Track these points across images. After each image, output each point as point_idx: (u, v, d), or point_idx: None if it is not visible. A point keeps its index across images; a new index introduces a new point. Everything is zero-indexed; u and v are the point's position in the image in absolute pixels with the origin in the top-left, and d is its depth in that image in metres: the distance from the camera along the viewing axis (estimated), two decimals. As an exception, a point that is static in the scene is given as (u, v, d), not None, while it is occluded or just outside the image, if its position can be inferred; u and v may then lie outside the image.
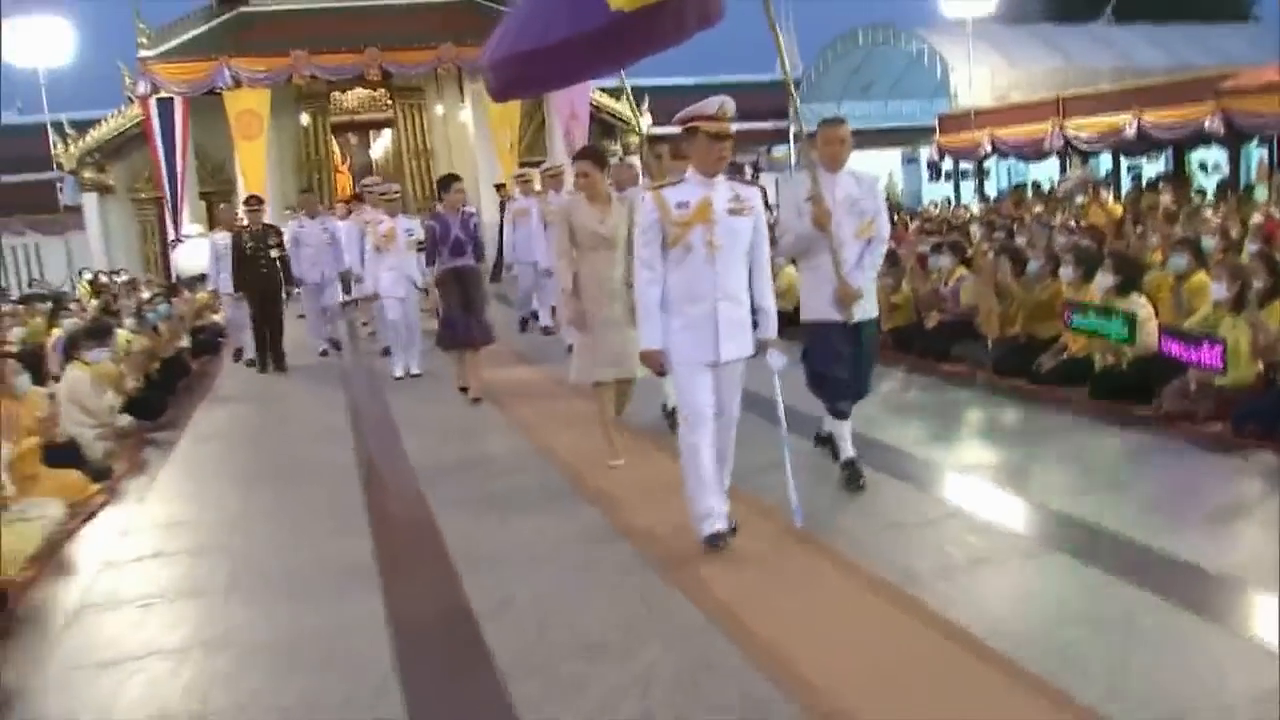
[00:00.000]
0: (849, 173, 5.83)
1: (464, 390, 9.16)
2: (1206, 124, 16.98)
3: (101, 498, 6.82)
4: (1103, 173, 22.39)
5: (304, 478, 7.22)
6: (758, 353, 5.00)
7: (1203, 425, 6.56)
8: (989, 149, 22.42)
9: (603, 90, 24.25)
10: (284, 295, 11.87)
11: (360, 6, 22.74)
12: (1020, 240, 11.31)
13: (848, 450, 5.94)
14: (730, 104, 4.81)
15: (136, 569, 5.54)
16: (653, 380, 6.32)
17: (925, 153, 26.49)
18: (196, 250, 16.79)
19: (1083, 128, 19.80)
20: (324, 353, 12.53)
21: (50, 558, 5.69)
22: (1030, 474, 6.16)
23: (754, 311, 5.01)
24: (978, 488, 5.87)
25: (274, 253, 11.54)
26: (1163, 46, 28.17)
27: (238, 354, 12.57)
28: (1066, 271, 8.26)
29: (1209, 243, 9.14)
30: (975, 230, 13.94)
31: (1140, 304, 7.53)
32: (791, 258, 7.32)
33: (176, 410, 9.87)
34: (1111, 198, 18.03)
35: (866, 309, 5.84)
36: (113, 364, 9.04)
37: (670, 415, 7.22)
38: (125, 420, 8.66)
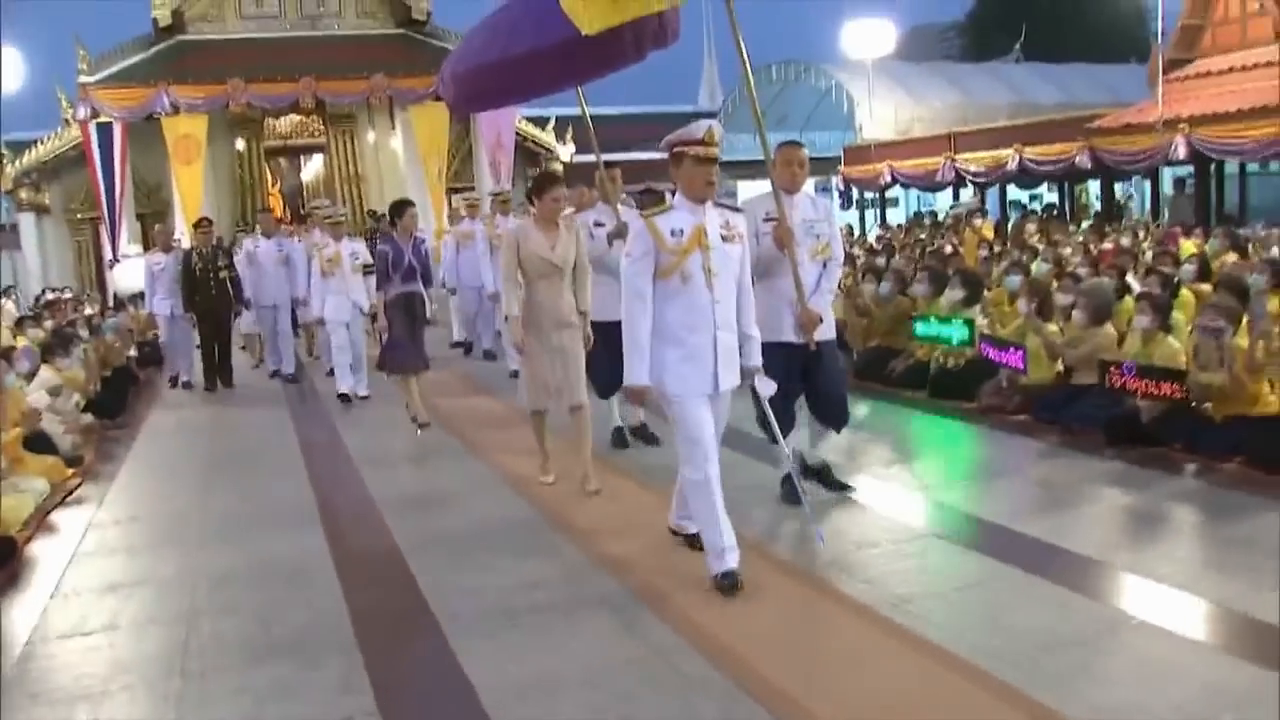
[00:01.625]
0: (806, 195, 5.99)
1: (424, 426, 8.87)
2: (1077, 160, 18.65)
3: (76, 479, 7.86)
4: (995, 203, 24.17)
5: (256, 465, 8.32)
6: (744, 380, 5.00)
7: (1011, 415, 7.94)
8: (889, 179, 24.02)
9: (527, 119, 25.50)
10: (233, 315, 12.03)
11: (295, 37, 23.76)
12: (901, 263, 12.68)
13: (819, 455, 6.29)
14: (718, 128, 4.77)
15: (115, 529, 6.64)
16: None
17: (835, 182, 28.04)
18: (135, 269, 17.14)
19: (971, 161, 21.45)
20: (274, 374, 12.38)
21: (41, 521, 6.73)
22: (873, 458, 7.28)
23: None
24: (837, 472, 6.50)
25: (224, 273, 11.69)
26: (1058, 84, 30.03)
27: (174, 380, 12.40)
28: (919, 288, 9.62)
29: (1043, 266, 10.59)
30: (859, 254, 15.35)
31: (978, 313, 8.91)
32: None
33: (130, 413, 10.85)
34: (989, 225, 19.53)
35: (824, 330, 5.88)
36: (78, 370, 10.12)
37: (618, 434, 7.68)
38: (88, 418, 9.66)
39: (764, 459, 6.43)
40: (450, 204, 23.62)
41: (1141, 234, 13.93)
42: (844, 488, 6.21)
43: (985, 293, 9.45)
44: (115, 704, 4.10)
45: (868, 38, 25.08)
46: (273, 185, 26.22)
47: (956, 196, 23.81)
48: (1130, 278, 9.40)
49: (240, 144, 24.74)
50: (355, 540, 6.08)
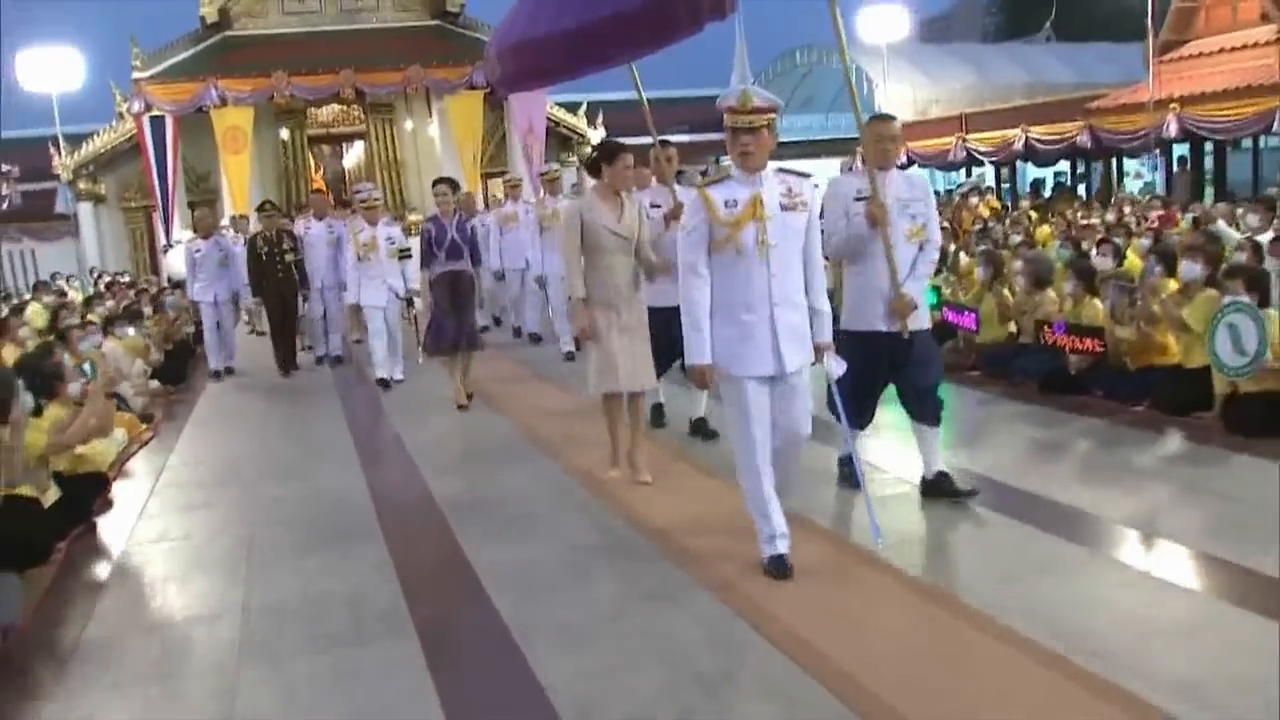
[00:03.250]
0: (899, 173, 5.55)
1: (462, 408, 9.00)
2: (1078, 139, 19.47)
3: (150, 433, 9.08)
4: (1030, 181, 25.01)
5: (305, 423, 9.52)
6: (815, 360, 4.71)
7: (967, 371, 8.95)
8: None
9: (559, 104, 26.56)
10: (300, 299, 11.95)
11: (335, 31, 24.90)
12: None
13: (935, 464, 5.70)
14: (753, 94, 4.44)
15: (185, 469, 7.87)
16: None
17: (855, 161, 28.94)
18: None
19: (980, 141, 22.29)
20: (321, 359, 12.41)
21: (122, 465, 7.94)
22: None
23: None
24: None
25: (289, 257, 11.69)
26: (1074, 64, 30.67)
27: (216, 373, 12.04)
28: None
29: (1015, 238, 11.56)
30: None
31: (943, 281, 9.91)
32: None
33: (191, 381, 12.11)
34: (988, 203, 20.33)
35: (920, 319, 5.47)
36: (139, 339, 11.39)
37: (697, 426, 7.37)
38: (154, 384, 10.89)
39: (829, 442, 6.01)
40: (486, 188, 24.87)
41: (1128, 209, 14.72)
42: (969, 494, 5.57)
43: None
44: (196, 584, 5.28)
45: (883, 23, 25.84)
46: (316, 172, 27.41)
47: (969, 175, 24.64)
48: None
49: (284, 133, 25.89)
50: (390, 476, 7.19)
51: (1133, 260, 9.76)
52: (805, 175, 4.72)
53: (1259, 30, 17.37)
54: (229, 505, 6.73)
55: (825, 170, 29.99)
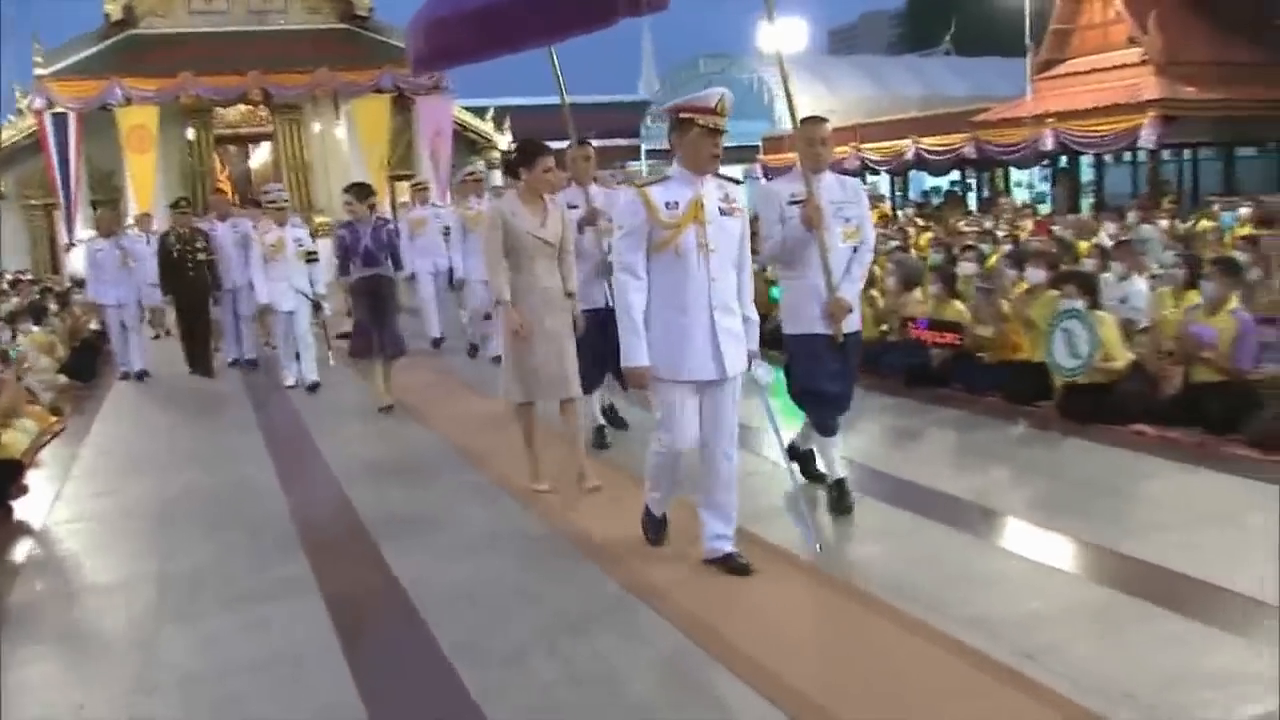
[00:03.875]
0: (832, 175, 5.48)
1: (386, 409, 8.90)
2: (964, 151, 20.47)
3: (60, 424, 9.34)
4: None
5: (215, 418, 9.85)
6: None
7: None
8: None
9: (466, 109, 26.96)
10: (211, 300, 11.74)
11: (243, 32, 25.01)
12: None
13: (836, 470, 5.64)
14: (730, 97, 4.45)
15: (98, 459, 8.23)
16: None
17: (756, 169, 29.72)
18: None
19: (874, 151, 23.23)
20: (234, 362, 12.09)
21: (35, 454, 8.21)
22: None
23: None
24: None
25: (202, 256, 11.48)
26: (968, 78, 31.95)
27: (125, 374, 11.82)
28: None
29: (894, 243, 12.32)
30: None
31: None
32: (770, 266, 6.95)
33: (98, 377, 12.24)
34: (884, 209, 21.26)
35: (853, 321, 5.50)
36: (45, 335, 11.60)
37: (599, 433, 7.20)
38: (62, 379, 11.10)
39: (748, 448, 6.02)
40: (393, 190, 25.11)
41: (1003, 219, 15.64)
42: (820, 479, 5.80)
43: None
44: (112, 554, 5.69)
45: (784, 34, 26.70)
46: (221, 172, 27.38)
47: (864, 181, 25.55)
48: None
49: (190, 133, 25.86)
50: (309, 489, 6.88)
51: (994, 265, 10.56)
52: (738, 182, 4.84)
53: (1127, 53, 18.52)
54: (140, 490, 7.08)
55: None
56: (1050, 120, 18.46)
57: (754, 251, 4.91)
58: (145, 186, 23.22)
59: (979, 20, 42.76)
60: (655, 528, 5.07)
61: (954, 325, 8.48)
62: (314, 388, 10.18)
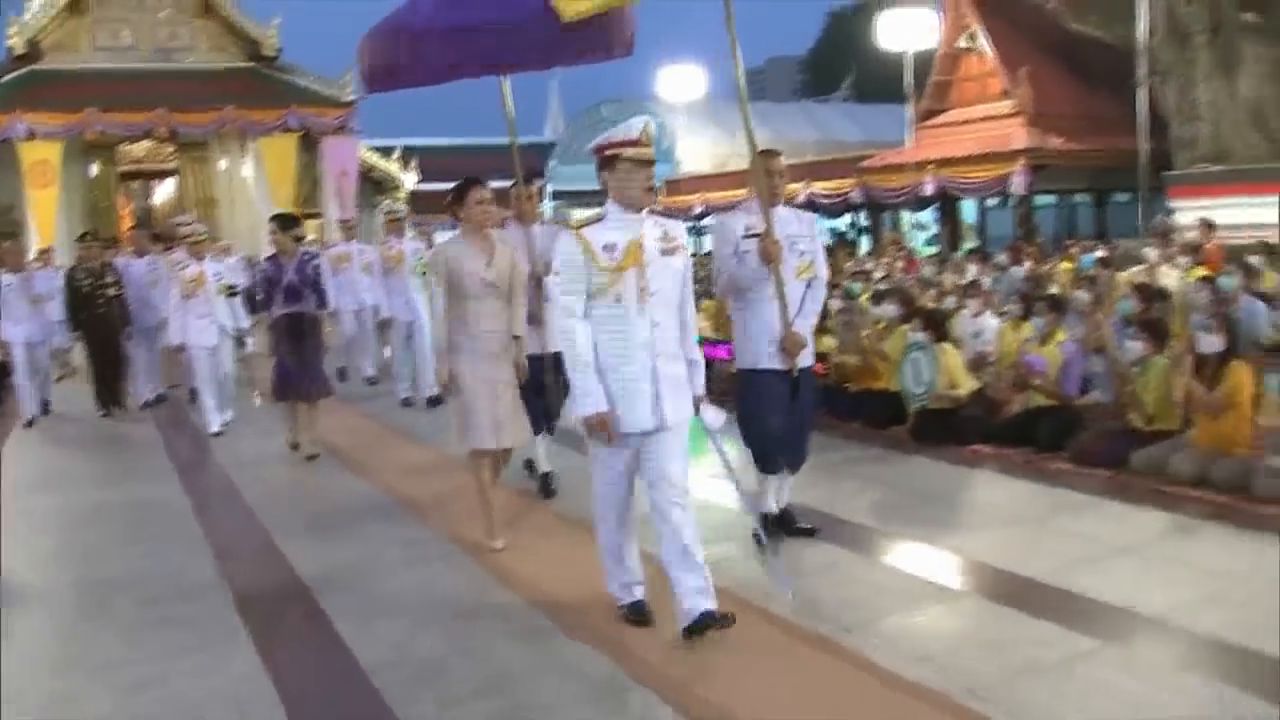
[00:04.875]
0: (786, 209, 5.44)
1: (295, 447, 8.69)
2: (852, 195, 21.49)
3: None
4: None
5: (123, 449, 10.12)
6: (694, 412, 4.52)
7: (719, 398, 10.28)
8: (702, 209, 26.65)
9: (372, 149, 27.37)
10: (123, 336, 11.27)
11: (149, 69, 25.10)
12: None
13: (782, 501, 5.74)
14: (653, 126, 4.34)
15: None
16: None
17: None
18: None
19: (769, 194, 24.13)
20: (146, 404, 11.65)
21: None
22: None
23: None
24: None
25: (112, 290, 11.10)
26: (862, 124, 33.27)
27: (30, 421, 11.08)
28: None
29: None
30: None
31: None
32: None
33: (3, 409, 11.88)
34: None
35: (807, 356, 5.43)
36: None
37: (530, 469, 7.03)
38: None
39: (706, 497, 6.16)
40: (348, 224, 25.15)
41: (880, 260, 16.59)
42: (808, 532, 5.73)
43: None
44: (28, 572, 6.06)
45: (681, 82, 27.71)
46: (124, 208, 27.33)
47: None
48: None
49: (94, 168, 25.80)
50: (238, 543, 6.38)
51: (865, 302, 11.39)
52: (675, 219, 4.64)
53: (1000, 104, 19.76)
54: (50, 510, 7.38)
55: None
56: (930, 167, 19.56)
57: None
58: (47, 222, 23.10)
59: (877, 67, 44.47)
60: (636, 613, 4.57)
61: (820, 355, 9.20)
62: (224, 431, 9.81)
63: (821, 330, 9.63)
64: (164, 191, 27.99)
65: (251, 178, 26.38)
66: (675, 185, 27.98)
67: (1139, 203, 17.52)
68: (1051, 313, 7.98)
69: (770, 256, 5.12)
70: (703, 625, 4.21)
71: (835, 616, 4.62)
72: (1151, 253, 11.73)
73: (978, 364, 8.67)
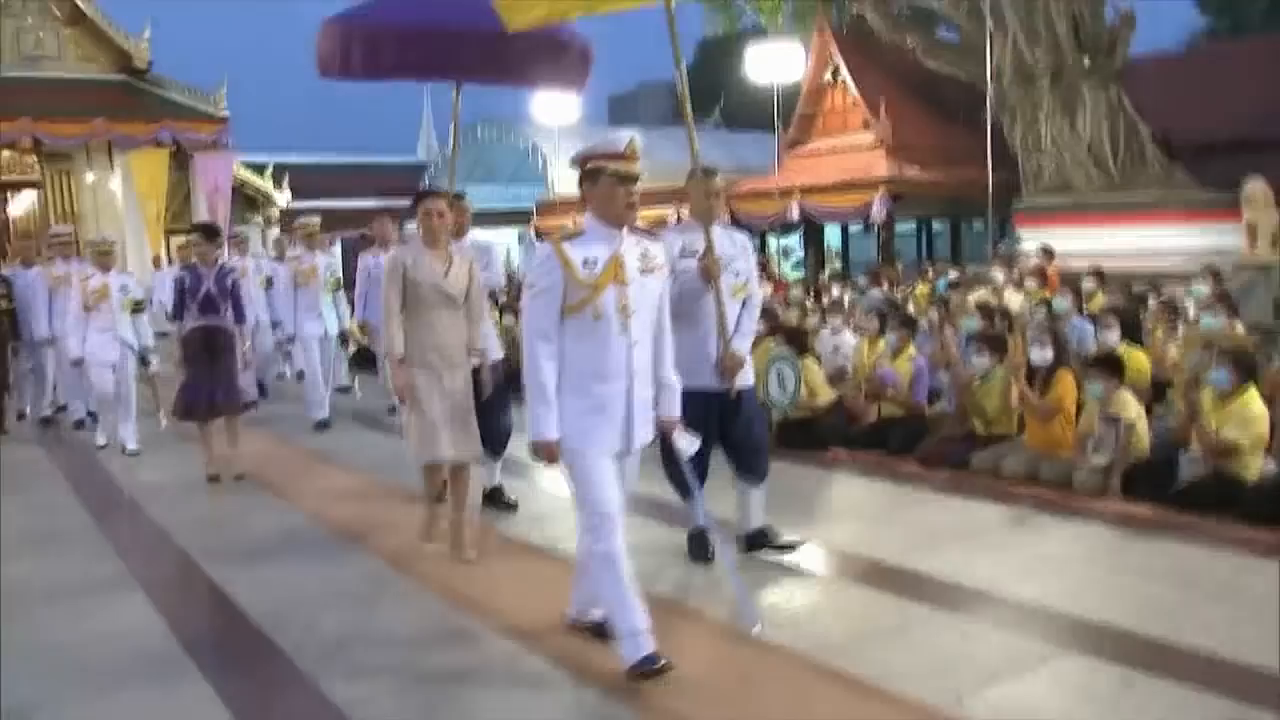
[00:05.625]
0: (720, 229, 5.42)
1: (214, 479, 8.11)
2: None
3: None
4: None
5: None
6: (660, 435, 4.42)
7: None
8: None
9: (246, 165, 27.19)
10: (10, 351, 10.82)
11: (13, 77, 24.54)
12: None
13: (758, 520, 5.75)
14: (639, 140, 4.12)
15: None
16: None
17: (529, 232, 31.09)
18: None
19: (640, 220, 24.76)
20: (44, 422, 11.26)
21: None
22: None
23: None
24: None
25: (2, 304, 10.62)
26: (731, 150, 34.13)
27: None
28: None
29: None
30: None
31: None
32: None
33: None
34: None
35: (746, 376, 5.45)
36: None
37: (489, 497, 6.94)
38: None
39: (659, 517, 6.29)
40: (169, 244, 24.95)
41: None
42: (791, 547, 5.76)
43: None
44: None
45: (555, 106, 28.13)
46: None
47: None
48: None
49: (-53, 178, 25.12)
50: (148, 555, 6.41)
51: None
52: (657, 237, 4.50)
53: (862, 136, 20.83)
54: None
55: (503, 240, 32.34)
56: (796, 193, 20.49)
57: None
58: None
59: (747, 95, 45.66)
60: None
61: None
62: (135, 454, 9.33)
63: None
64: (22, 203, 27.26)
65: (120, 192, 25.98)
66: (548, 207, 28.51)
67: (988, 230, 18.68)
68: (903, 330, 8.72)
69: (712, 276, 5.18)
70: (648, 664, 4.09)
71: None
72: (998, 276, 12.78)
73: (837, 377, 9.39)
